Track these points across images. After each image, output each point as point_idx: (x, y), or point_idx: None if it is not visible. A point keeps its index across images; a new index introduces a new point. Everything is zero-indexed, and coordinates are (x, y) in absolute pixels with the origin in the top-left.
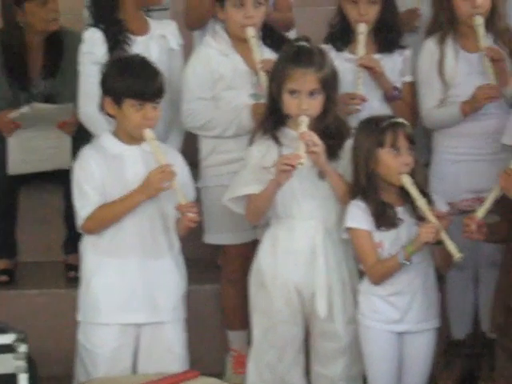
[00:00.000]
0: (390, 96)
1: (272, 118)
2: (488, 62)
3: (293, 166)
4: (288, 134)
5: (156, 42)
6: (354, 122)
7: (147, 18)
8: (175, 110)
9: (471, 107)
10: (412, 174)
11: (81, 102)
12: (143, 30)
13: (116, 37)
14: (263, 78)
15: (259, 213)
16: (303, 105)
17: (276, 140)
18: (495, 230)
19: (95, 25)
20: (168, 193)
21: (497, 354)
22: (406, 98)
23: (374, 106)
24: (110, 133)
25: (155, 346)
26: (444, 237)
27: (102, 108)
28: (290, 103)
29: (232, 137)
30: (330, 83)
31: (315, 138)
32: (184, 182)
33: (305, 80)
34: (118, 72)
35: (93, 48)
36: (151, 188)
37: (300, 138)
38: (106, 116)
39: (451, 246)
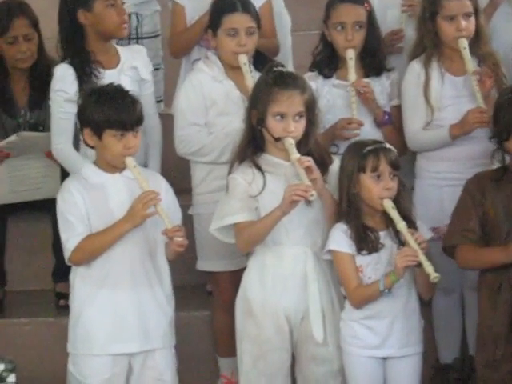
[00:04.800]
0: (380, 121)
1: (252, 145)
2: (476, 86)
3: (304, 197)
4: (270, 160)
5: (126, 74)
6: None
7: (117, 48)
8: (149, 136)
9: (461, 131)
10: (397, 199)
11: (54, 139)
12: (113, 62)
13: (84, 68)
14: None
15: (254, 242)
16: (290, 127)
17: (258, 167)
18: None
19: (66, 60)
20: (154, 218)
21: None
22: (395, 122)
23: (366, 130)
24: (91, 163)
25: (146, 374)
26: (422, 258)
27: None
28: (275, 127)
29: (226, 163)
30: (312, 106)
31: (313, 164)
32: (169, 205)
33: (291, 102)
34: (96, 103)
35: (64, 86)
36: (137, 216)
37: (299, 164)
38: (80, 151)
39: (428, 267)
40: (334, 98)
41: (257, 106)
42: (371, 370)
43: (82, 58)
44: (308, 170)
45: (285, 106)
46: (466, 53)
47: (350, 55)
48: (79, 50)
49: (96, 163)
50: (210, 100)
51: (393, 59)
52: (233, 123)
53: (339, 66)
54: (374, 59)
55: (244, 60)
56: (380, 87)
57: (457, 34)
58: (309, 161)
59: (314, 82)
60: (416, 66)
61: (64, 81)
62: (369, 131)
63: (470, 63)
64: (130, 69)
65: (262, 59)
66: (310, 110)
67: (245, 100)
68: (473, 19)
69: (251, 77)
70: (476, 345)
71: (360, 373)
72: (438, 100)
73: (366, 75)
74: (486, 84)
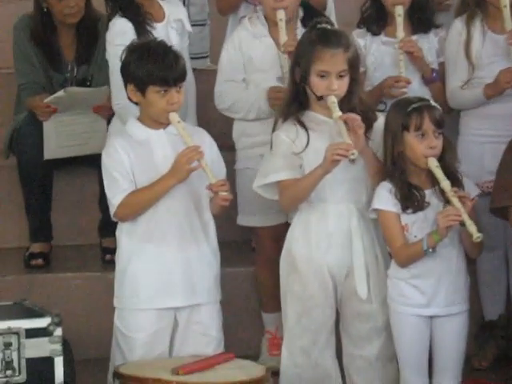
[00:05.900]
0: (428, 79)
1: (296, 102)
2: (511, 45)
3: (345, 156)
4: (314, 117)
5: (173, 27)
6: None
7: (160, 2)
8: (186, 92)
9: (494, 90)
10: (442, 157)
11: (116, 94)
12: (160, 15)
13: (141, 22)
14: (285, 61)
15: (298, 199)
16: (333, 85)
17: (302, 124)
18: None
19: (118, 14)
20: (199, 173)
21: None
22: (443, 79)
23: (414, 87)
24: (135, 119)
25: (191, 329)
26: (465, 217)
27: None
28: (318, 85)
29: (254, 120)
30: (355, 64)
31: (357, 122)
32: (213, 159)
33: (335, 61)
34: (139, 59)
35: (125, 39)
36: (181, 170)
37: (341, 120)
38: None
39: (471, 227)
40: (382, 55)
41: (300, 63)
42: (418, 328)
43: (134, 11)
44: (351, 129)
45: (328, 65)
46: (506, 11)
47: (399, 12)
48: (128, 4)
49: (140, 119)
50: (247, 56)
51: (441, 17)
52: (267, 80)
53: (387, 22)
54: (422, 16)
55: (281, 16)
56: (428, 44)
57: None
58: (354, 118)
59: (363, 39)
60: (458, 25)
61: (124, 35)
62: (417, 89)
63: (508, 22)
64: (175, 21)
65: (314, 15)
66: (354, 67)
67: (281, 57)
68: None
69: (286, 34)
70: None
71: (407, 331)
72: (478, 58)
73: (415, 32)
74: None
